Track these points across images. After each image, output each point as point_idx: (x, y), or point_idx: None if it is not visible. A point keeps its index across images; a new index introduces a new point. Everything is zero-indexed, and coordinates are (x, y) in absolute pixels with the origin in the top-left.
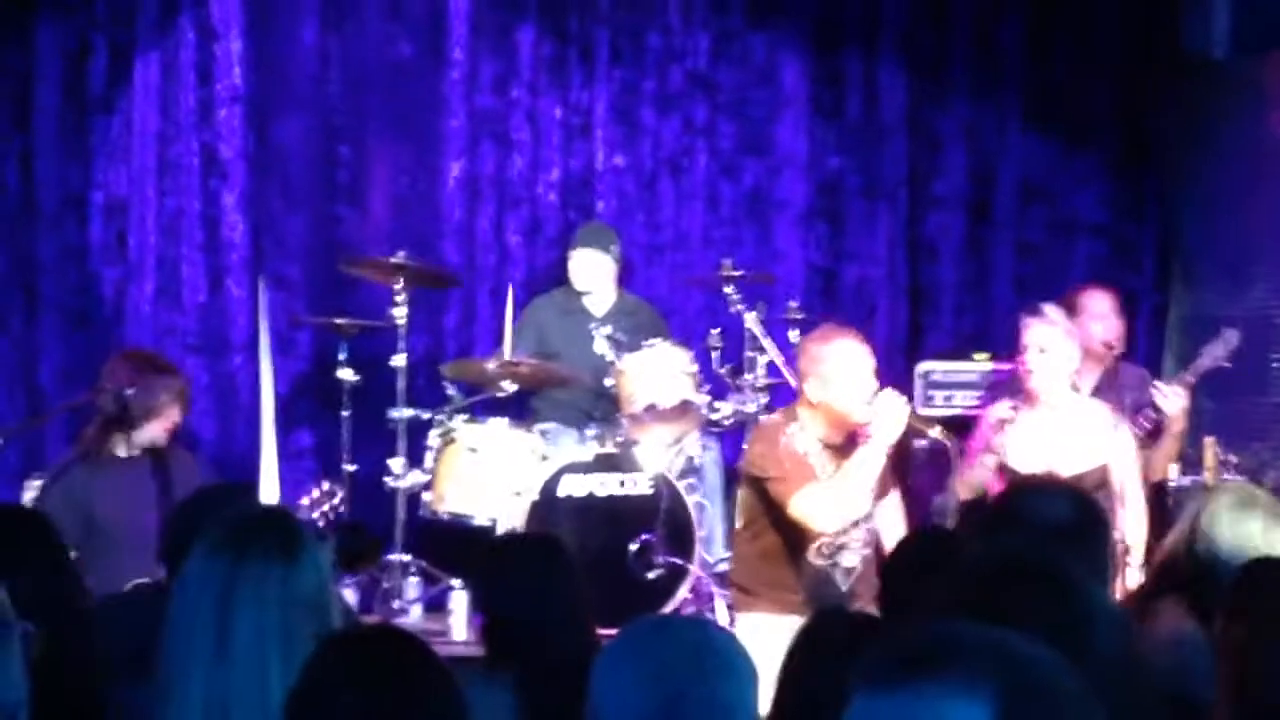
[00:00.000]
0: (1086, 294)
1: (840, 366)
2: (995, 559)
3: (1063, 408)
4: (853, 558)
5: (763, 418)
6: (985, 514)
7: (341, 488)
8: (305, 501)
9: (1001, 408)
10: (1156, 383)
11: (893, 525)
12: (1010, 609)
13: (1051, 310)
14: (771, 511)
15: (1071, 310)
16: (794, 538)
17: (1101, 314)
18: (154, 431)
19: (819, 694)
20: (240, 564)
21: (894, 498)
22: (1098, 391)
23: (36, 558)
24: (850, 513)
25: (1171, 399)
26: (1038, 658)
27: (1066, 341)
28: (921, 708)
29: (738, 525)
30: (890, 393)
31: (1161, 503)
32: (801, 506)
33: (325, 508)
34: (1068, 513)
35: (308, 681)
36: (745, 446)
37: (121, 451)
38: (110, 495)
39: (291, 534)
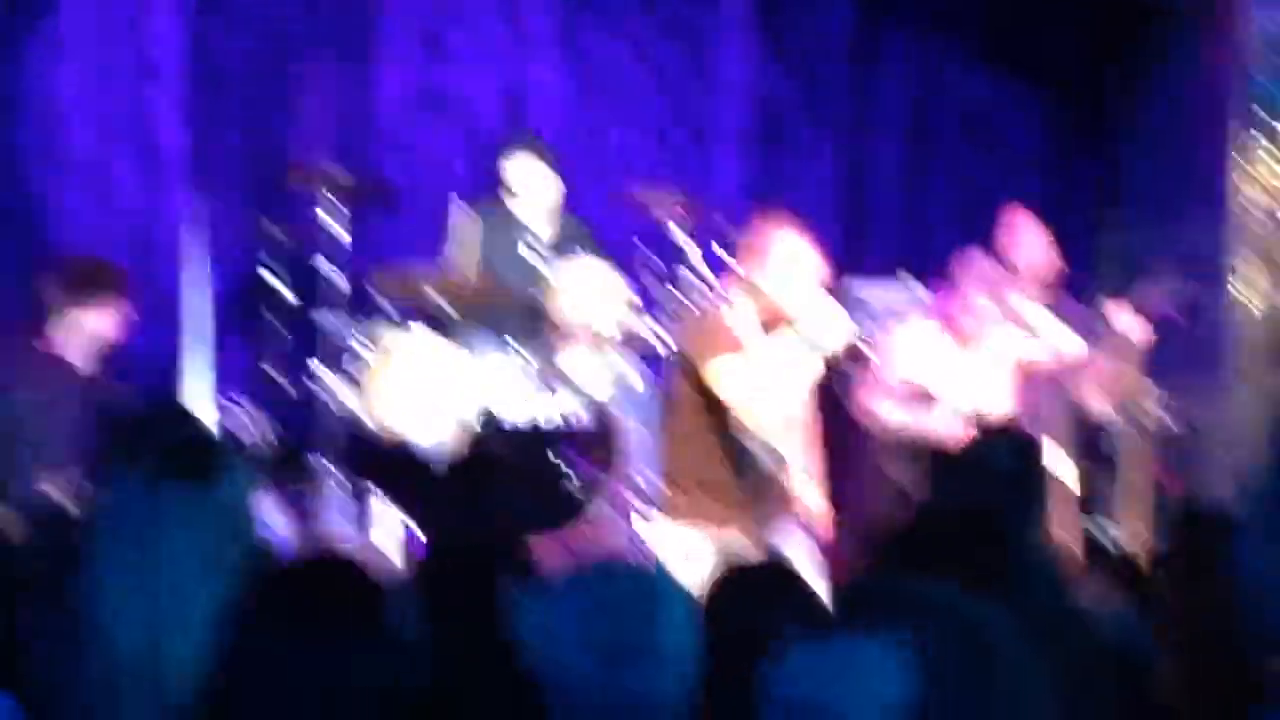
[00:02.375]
0: (1017, 224)
1: (784, 259)
2: (935, 509)
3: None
4: (786, 453)
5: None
6: (933, 461)
7: (259, 399)
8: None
9: (913, 336)
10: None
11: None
12: (947, 559)
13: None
14: (706, 401)
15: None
16: (726, 428)
17: (1032, 244)
18: (100, 321)
19: (738, 640)
20: (159, 490)
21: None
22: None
23: None
24: (762, 386)
25: (1132, 325)
26: (966, 608)
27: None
28: (849, 655)
29: (670, 418)
30: (832, 300)
31: (1097, 448)
32: (716, 370)
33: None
34: (1012, 459)
35: (245, 619)
36: (682, 331)
37: (73, 357)
38: (39, 386)
39: (208, 457)
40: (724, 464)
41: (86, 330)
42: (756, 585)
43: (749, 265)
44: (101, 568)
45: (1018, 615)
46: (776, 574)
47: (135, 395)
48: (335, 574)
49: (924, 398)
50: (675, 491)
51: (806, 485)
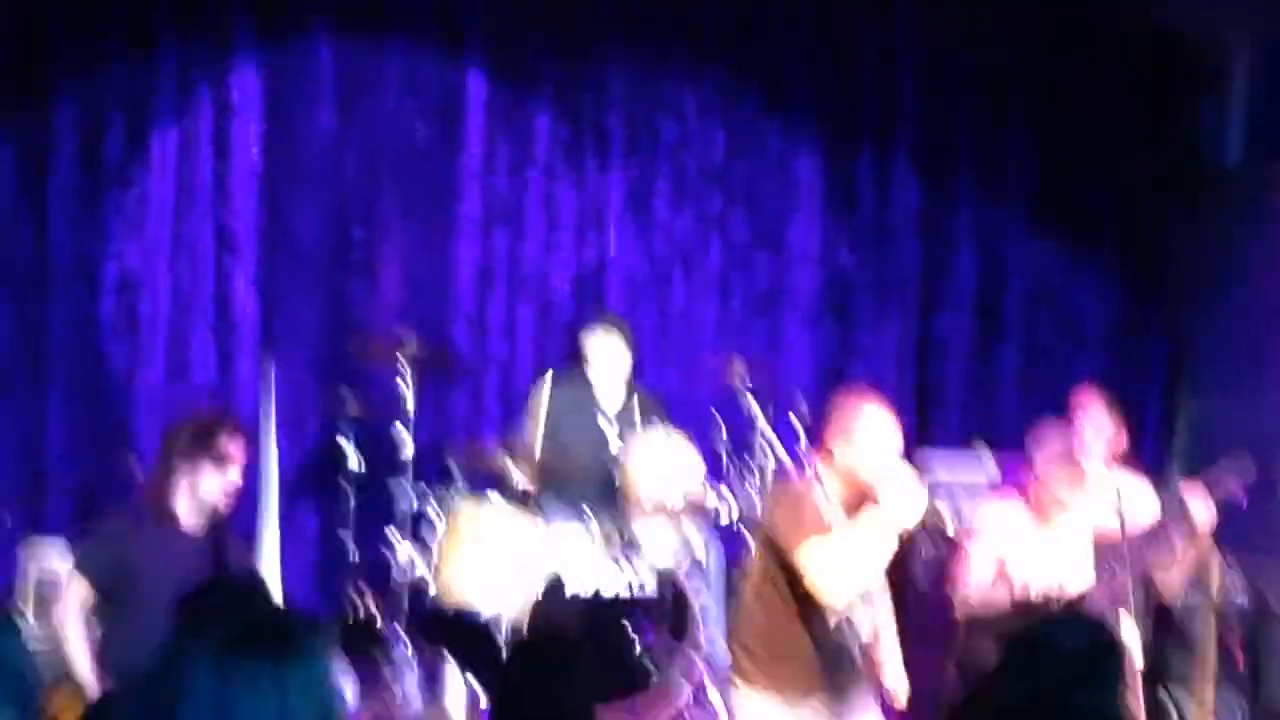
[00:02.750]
0: (1088, 401)
1: (868, 432)
2: (1000, 692)
3: (1067, 524)
4: (865, 629)
5: (785, 481)
6: (1004, 644)
7: (338, 570)
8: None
9: (1002, 515)
10: (1186, 495)
11: (882, 602)
12: None
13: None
14: (788, 577)
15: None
16: (809, 606)
17: (1102, 420)
18: (212, 483)
19: None
20: (233, 665)
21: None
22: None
23: None
24: (861, 586)
25: (1202, 509)
26: None
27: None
28: None
29: (747, 590)
30: (913, 473)
31: (1167, 621)
32: (816, 579)
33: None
34: (1085, 643)
35: None
36: (766, 507)
37: (184, 516)
38: (159, 557)
39: (283, 637)
40: (803, 637)
41: (204, 491)
42: None
43: (833, 437)
44: None
45: None
46: None
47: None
48: None
49: (1008, 577)
50: (750, 661)
51: (885, 659)
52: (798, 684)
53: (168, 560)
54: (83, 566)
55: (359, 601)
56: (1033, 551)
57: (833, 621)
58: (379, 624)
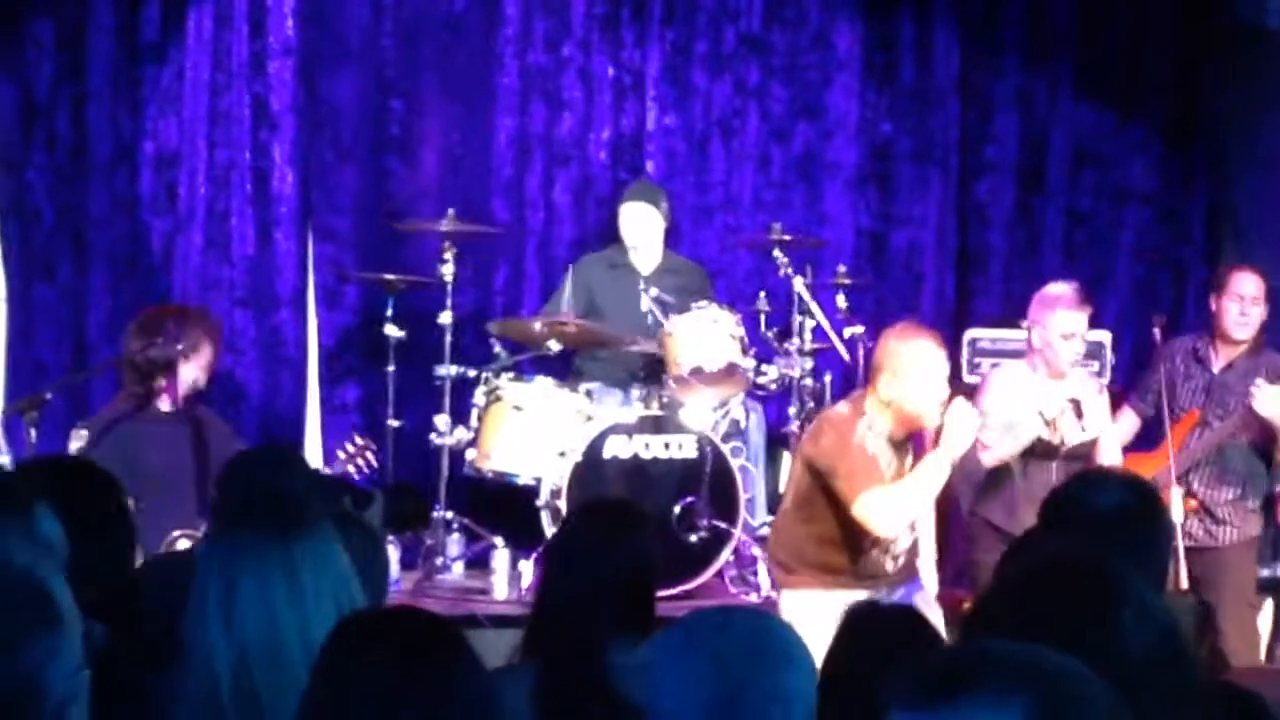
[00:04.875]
0: (1236, 274)
1: (917, 366)
2: (1036, 556)
3: (1071, 379)
4: (904, 542)
5: (831, 410)
6: (1041, 506)
7: (375, 443)
8: (342, 455)
9: (1008, 376)
10: (1258, 381)
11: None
12: (1040, 608)
13: (1077, 293)
14: (833, 504)
15: (1219, 288)
16: (853, 531)
17: (1253, 296)
18: (193, 372)
19: (865, 683)
20: (238, 541)
21: None
22: (1230, 369)
23: (106, 521)
24: (911, 519)
25: (1272, 401)
26: (1070, 673)
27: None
28: None
29: (787, 504)
30: (962, 403)
31: None
32: (865, 511)
33: (360, 461)
34: (1126, 501)
35: (325, 662)
36: (811, 435)
37: (165, 406)
38: (155, 447)
39: (288, 508)
40: (841, 553)
41: (187, 380)
42: (887, 629)
43: (880, 373)
44: (193, 621)
45: (1112, 665)
46: (908, 620)
47: (234, 434)
48: (415, 628)
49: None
50: (785, 571)
51: (924, 568)
52: (837, 582)
53: (158, 445)
54: None
55: (402, 478)
56: (1031, 403)
57: (873, 546)
58: (425, 500)
